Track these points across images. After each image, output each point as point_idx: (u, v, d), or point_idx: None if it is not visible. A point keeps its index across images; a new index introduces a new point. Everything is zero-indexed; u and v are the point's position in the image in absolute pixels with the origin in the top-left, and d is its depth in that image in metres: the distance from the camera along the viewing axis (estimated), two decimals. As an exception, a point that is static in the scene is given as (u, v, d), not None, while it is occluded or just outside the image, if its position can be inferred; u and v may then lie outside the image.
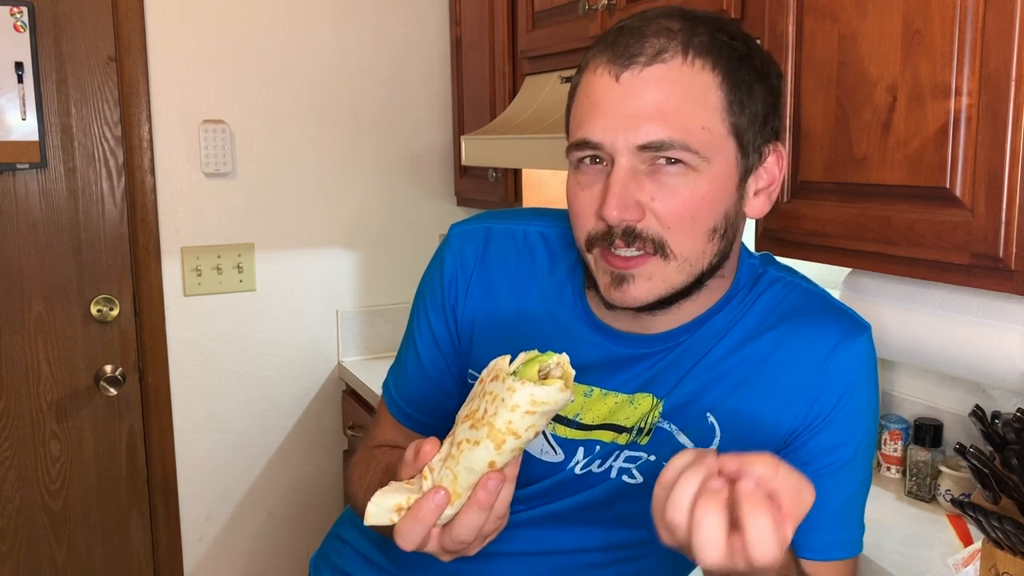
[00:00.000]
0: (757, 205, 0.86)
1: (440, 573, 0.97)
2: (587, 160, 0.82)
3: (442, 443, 0.74)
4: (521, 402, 0.68)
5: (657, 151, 0.78)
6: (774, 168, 0.86)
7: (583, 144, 0.81)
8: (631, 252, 0.80)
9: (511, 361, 0.73)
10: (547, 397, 0.69)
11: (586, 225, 0.83)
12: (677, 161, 0.78)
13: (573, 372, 0.73)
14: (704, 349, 0.89)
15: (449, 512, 0.71)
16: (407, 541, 0.71)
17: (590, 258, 0.85)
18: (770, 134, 0.85)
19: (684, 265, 0.82)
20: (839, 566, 0.88)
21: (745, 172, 0.83)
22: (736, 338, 0.89)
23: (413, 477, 0.74)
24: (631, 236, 0.80)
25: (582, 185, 0.83)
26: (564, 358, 0.73)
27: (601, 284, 0.84)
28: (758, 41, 0.85)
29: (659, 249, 0.80)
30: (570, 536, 0.93)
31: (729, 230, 0.84)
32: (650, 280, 0.82)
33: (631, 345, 0.90)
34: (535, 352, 0.73)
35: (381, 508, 0.72)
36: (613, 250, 0.81)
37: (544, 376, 0.72)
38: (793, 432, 0.88)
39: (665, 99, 0.77)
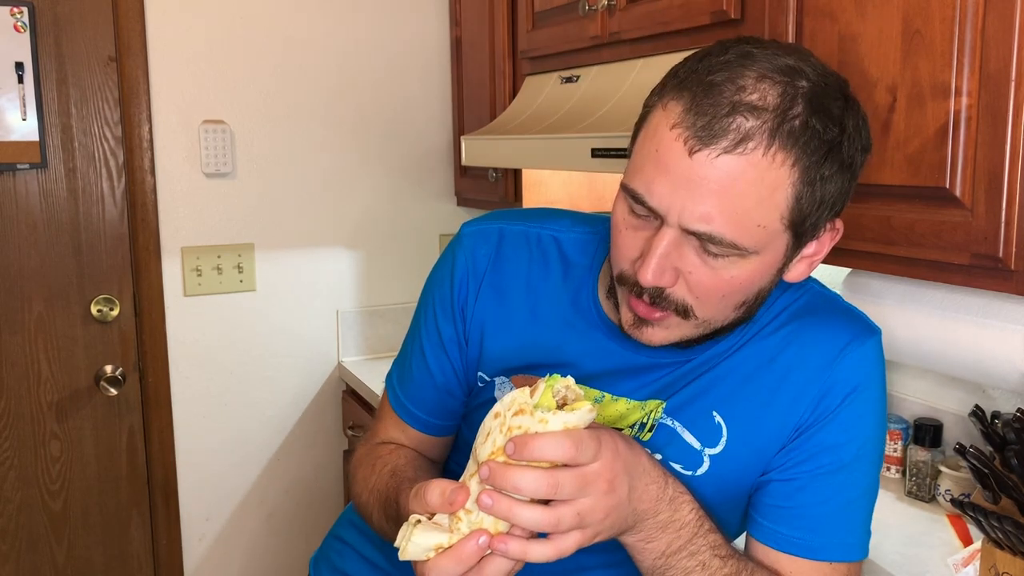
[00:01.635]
0: (797, 271, 0.85)
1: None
2: (639, 208, 0.80)
3: (462, 480, 0.74)
4: (555, 431, 0.70)
5: (705, 241, 0.76)
6: (826, 241, 0.84)
7: (637, 198, 0.78)
8: (654, 307, 0.81)
9: (531, 393, 0.73)
10: (579, 421, 0.71)
11: (622, 263, 0.83)
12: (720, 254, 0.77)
13: (581, 392, 0.75)
14: (717, 360, 0.90)
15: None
16: None
17: (618, 289, 0.85)
18: (832, 215, 0.82)
19: (703, 324, 0.83)
20: (827, 568, 0.87)
21: (793, 255, 0.82)
22: (746, 337, 0.90)
23: (434, 516, 0.75)
24: (658, 297, 0.80)
25: (628, 224, 0.81)
26: (570, 380, 0.74)
27: (623, 318, 0.85)
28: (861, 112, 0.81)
29: (681, 311, 0.81)
30: None
31: (759, 300, 0.84)
32: (667, 330, 0.83)
33: (646, 353, 0.90)
34: (544, 379, 0.74)
35: (419, 547, 0.73)
36: (639, 298, 0.81)
37: (560, 402, 0.73)
38: (797, 429, 0.87)
39: (730, 192, 0.73)
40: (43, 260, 2.10)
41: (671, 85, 0.78)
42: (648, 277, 0.77)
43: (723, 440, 0.88)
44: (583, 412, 0.71)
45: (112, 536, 2.24)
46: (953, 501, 1.17)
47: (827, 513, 0.87)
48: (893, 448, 1.54)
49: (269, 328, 2.34)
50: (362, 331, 2.46)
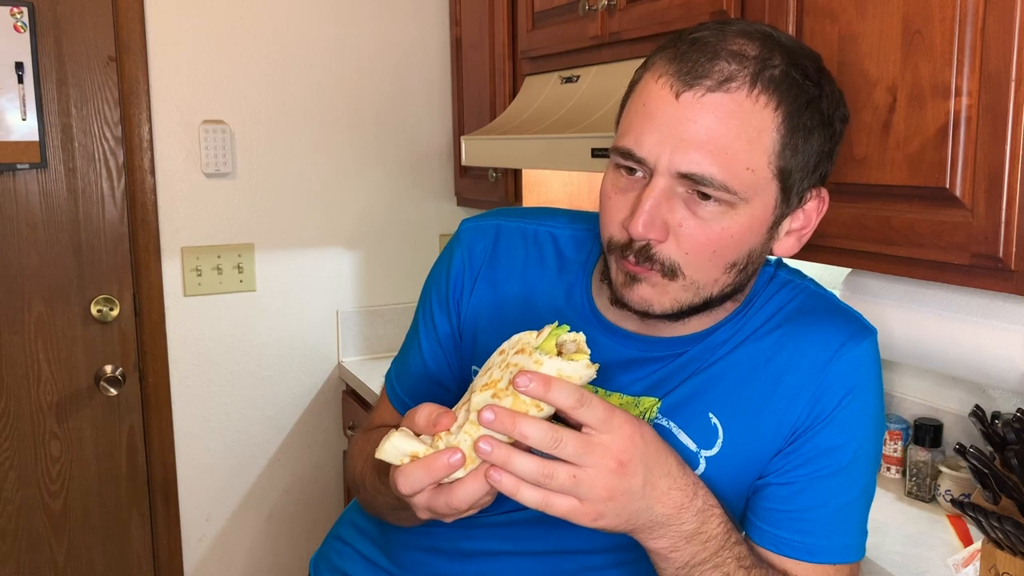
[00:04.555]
0: (786, 245, 0.86)
1: (440, 573, 0.97)
2: (626, 169, 0.81)
3: (454, 408, 0.76)
4: (548, 375, 0.70)
5: (697, 183, 0.77)
6: (812, 212, 0.85)
7: (626, 154, 0.80)
8: (640, 266, 0.81)
9: (537, 336, 0.74)
10: (573, 372, 0.71)
11: (611, 229, 0.83)
12: (712, 197, 0.77)
13: (589, 351, 0.74)
14: (712, 357, 0.89)
15: (455, 475, 0.73)
16: (407, 485, 0.72)
17: (609, 259, 0.85)
18: (817, 179, 0.83)
19: (691, 286, 0.82)
20: (830, 570, 0.87)
21: (782, 215, 0.83)
22: (741, 337, 0.89)
23: (421, 436, 0.76)
24: (645, 256, 0.80)
25: (617, 188, 0.83)
26: (580, 337, 0.74)
27: (615, 281, 0.85)
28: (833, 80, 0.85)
29: (668, 272, 0.81)
30: (572, 537, 0.93)
31: (750, 266, 0.84)
32: (655, 287, 0.82)
33: (638, 347, 0.90)
34: (555, 324, 0.75)
35: (396, 449, 0.73)
36: (627, 259, 0.82)
37: (560, 351, 0.73)
38: (794, 432, 0.87)
39: (718, 131, 0.76)
40: (43, 260, 2.10)
41: (654, 53, 0.82)
42: (639, 229, 0.78)
43: (719, 442, 0.88)
44: (580, 365, 0.71)
45: (112, 536, 2.24)
46: (953, 501, 1.17)
47: (826, 516, 0.87)
48: (893, 448, 1.54)
49: (269, 328, 2.34)
50: (362, 331, 2.46)
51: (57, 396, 2.15)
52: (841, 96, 0.83)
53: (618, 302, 0.85)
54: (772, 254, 0.87)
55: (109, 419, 2.21)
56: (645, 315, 0.85)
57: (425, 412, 0.75)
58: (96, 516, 2.22)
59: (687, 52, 0.78)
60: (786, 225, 0.84)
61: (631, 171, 0.81)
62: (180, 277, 2.23)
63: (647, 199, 0.78)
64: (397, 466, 0.74)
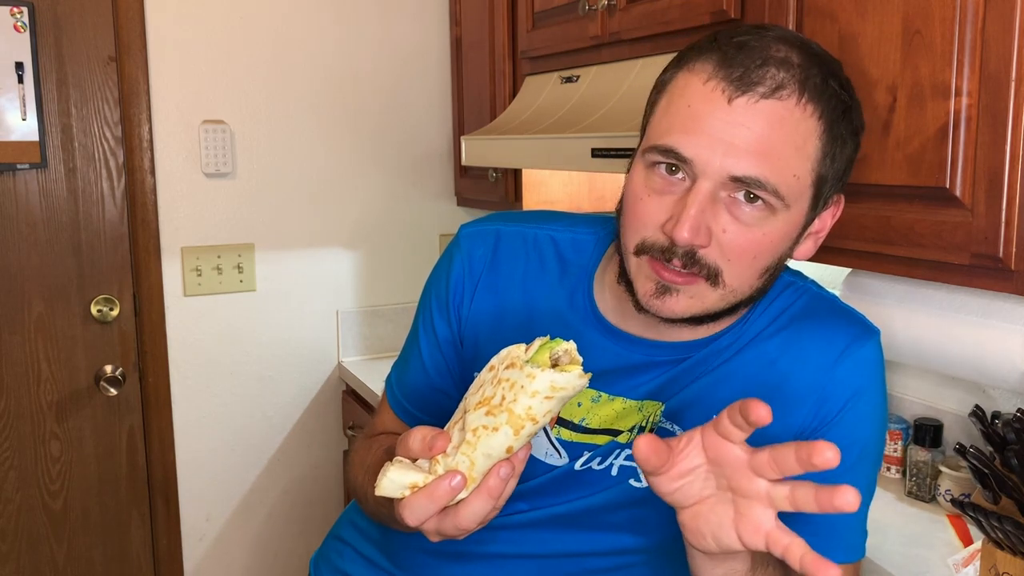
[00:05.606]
0: (804, 248, 0.86)
1: (442, 575, 0.97)
2: (664, 167, 0.80)
3: (446, 428, 0.75)
4: (541, 388, 0.70)
5: (749, 187, 0.76)
6: (828, 216, 0.86)
7: (669, 152, 0.78)
8: (685, 271, 0.80)
9: (526, 349, 0.74)
10: (566, 383, 0.71)
11: (643, 231, 0.81)
12: (757, 199, 0.77)
13: (581, 359, 0.74)
14: (716, 361, 0.89)
15: (458, 497, 0.73)
16: (414, 516, 0.72)
17: (634, 261, 0.83)
18: (840, 188, 0.84)
19: (728, 294, 0.82)
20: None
21: (809, 221, 0.83)
22: (745, 340, 0.89)
23: (417, 460, 0.75)
24: (690, 259, 0.79)
25: (651, 189, 0.81)
26: (572, 345, 0.74)
27: (641, 290, 0.83)
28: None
29: (711, 277, 0.80)
30: (574, 540, 0.93)
31: (776, 270, 0.85)
32: (692, 299, 0.81)
33: (642, 351, 0.90)
34: (546, 338, 0.75)
35: (395, 483, 0.73)
36: (667, 263, 0.80)
37: (554, 362, 0.73)
38: (801, 434, 0.87)
39: (770, 137, 0.76)
40: (43, 260, 2.10)
41: (692, 54, 0.81)
42: (685, 234, 0.77)
43: None
44: (573, 376, 0.71)
45: (112, 536, 2.24)
46: (953, 501, 1.17)
47: (832, 516, 0.87)
48: (893, 448, 1.54)
49: (269, 328, 2.34)
50: (362, 331, 2.46)
51: (57, 396, 2.15)
52: (859, 104, 0.84)
53: (643, 311, 0.84)
54: (793, 257, 0.87)
55: (109, 419, 2.21)
56: (671, 321, 0.84)
57: (419, 436, 0.74)
58: (96, 516, 2.22)
59: (735, 56, 0.77)
60: (810, 225, 0.85)
61: (671, 170, 0.79)
62: (180, 277, 2.23)
63: (692, 204, 0.77)
64: (400, 499, 0.73)
